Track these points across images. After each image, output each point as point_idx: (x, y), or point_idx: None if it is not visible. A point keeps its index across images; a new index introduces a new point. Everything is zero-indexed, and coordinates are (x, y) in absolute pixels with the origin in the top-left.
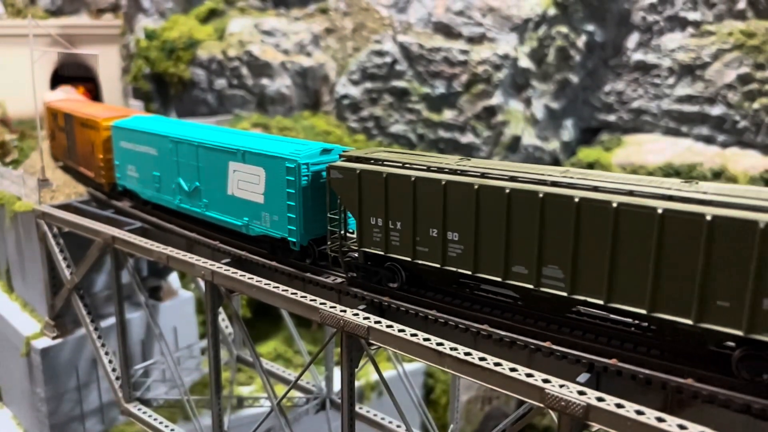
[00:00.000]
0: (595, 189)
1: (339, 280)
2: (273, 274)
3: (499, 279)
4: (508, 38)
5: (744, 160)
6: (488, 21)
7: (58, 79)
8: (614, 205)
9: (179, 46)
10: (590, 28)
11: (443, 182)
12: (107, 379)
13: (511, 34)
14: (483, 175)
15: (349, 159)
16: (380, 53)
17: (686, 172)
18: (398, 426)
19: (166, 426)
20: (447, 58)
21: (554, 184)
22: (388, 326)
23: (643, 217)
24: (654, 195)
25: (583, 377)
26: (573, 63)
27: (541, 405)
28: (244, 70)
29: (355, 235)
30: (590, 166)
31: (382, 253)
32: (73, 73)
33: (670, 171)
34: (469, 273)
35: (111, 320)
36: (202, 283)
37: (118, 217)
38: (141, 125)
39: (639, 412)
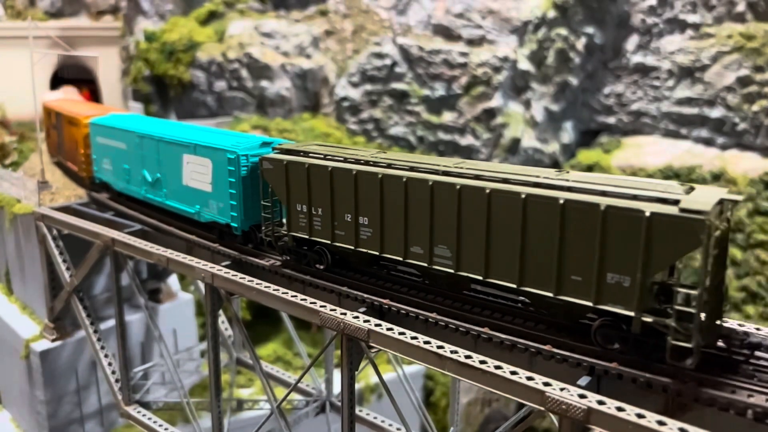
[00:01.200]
0: (477, 177)
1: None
2: (273, 276)
3: (400, 258)
4: (508, 40)
5: (743, 162)
6: (488, 23)
7: (58, 81)
8: (487, 191)
9: (179, 48)
10: (590, 30)
11: (354, 172)
12: (107, 382)
13: (511, 37)
14: (389, 166)
15: (281, 151)
16: (380, 55)
17: (685, 174)
18: (398, 429)
19: (166, 429)
20: (446, 60)
21: (445, 173)
22: (389, 329)
23: (510, 201)
24: (522, 182)
25: (584, 380)
26: (572, 65)
27: (542, 408)
28: (244, 72)
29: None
30: (589, 168)
31: (307, 236)
32: (72, 75)
33: (669, 173)
34: (377, 253)
35: (110, 322)
36: (201, 286)
37: (118, 219)
38: (114, 122)
39: (640, 416)
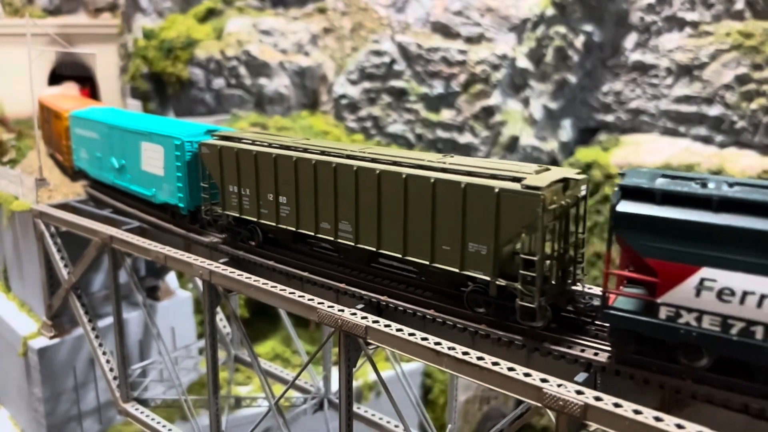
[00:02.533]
0: (373, 160)
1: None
2: (271, 273)
3: (312, 233)
4: (507, 38)
5: (742, 161)
6: (486, 21)
7: (56, 78)
8: (377, 171)
9: (177, 45)
10: (588, 28)
11: (274, 155)
12: (105, 379)
13: (510, 34)
14: (305, 150)
15: (218, 138)
16: (378, 53)
17: None
18: (396, 426)
19: (164, 426)
20: (445, 57)
21: (348, 156)
22: (386, 325)
23: (395, 180)
24: (407, 164)
25: (581, 377)
26: (571, 63)
27: (539, 404)
28: (242, 70)
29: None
30: (588, 166)
31: (237, 215)
32: (71, 72)
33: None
34: (294, 229)
35: (108, 320)
36: (200, 283)
37: (116, 216)
38: (89, 115)
39: (637, 412)
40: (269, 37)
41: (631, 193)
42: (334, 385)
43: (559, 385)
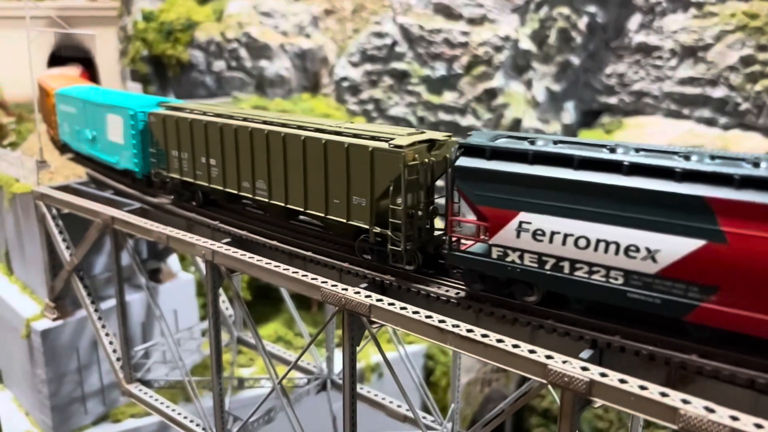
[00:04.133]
0: (283, 125)
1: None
2: (273, 253)
3: (236, 192)
4: (509, 19)
5: (745, 143)
6: (489, 2)
7: (56, 62)
8: (282, 134)
9: (177, 27)
10: (592, 9)
11: (204, 122)
12: (108, 361)
13: (512, 15)
14: (230, 117)
15: (165, 108)
16: (380, 35)
17: None
18: (399, 406)
19: (168, 406)
20: (447, 39)
21: (264, 122)
22: (390, 304)
23: (296, 142)
24: (308, 128)
25: (586, 353)
26: (574, 45)
27: (544, 381)
28: (243, 52)
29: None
30: None
31: (179, 177)
32: (70, 55)
33: None
34: (221, 189)
35: (111, 302)
36: (202, 265)
37: (118, 198)
38: (70, 92)
39: (642, 387)
40: (270, 18)
41: (469, 150)
42: (337, 367)
43: (564, 362)
